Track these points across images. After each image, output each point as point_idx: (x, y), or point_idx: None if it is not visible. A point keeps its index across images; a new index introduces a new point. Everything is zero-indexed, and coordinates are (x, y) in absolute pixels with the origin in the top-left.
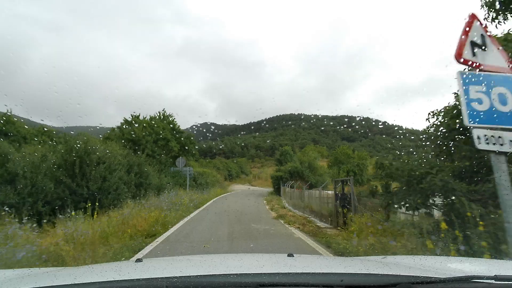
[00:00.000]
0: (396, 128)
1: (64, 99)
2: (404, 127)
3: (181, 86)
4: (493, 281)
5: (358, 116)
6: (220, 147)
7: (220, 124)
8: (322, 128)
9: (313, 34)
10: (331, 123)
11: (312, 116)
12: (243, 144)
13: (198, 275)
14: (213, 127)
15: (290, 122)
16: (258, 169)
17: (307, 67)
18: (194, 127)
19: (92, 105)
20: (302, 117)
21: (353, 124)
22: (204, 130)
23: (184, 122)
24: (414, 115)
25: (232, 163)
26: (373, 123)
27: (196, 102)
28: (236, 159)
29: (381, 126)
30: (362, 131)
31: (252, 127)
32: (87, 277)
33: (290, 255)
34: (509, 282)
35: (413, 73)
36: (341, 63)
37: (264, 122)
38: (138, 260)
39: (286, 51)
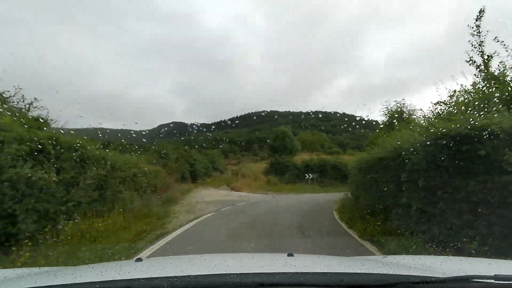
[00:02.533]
0: (374, 123)
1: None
2: (380, 121)
3: (149, 85)
4: (493, 281)
5: (334, 112)
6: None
7: (189, 123)
8: (303, 124)
9: (283, 34)
10: (314, 115)
11: (284, 112)
12: (216, 138)
13: (198, 275)
14: (180, 127)
15: (264, 118)
16: (235, 166)
17: (278, 67)
18: (160, 127)
19: (56, 106)
20: (276, 116)
21: (332, 119)
22: (173, 130)
23: (151, 122)
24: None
25: (198, 154)
26: (348, 118)
27: (164, 101)
28: (206, 152)
29: (363, 121)
30: (344, 125)
31: (223, 124)
32: (87, 276)
33: (290, 254)
34: (509, 282)
35: (377, 73)
36: (310, 63)
37: (237, 121)
38: (138, 260)
39: (257, 50)
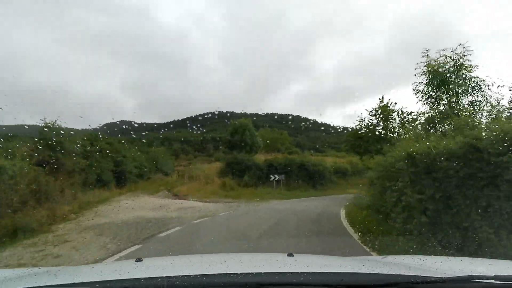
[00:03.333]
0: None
1: None
2: (332, 125)
3: (95, 80)
4: (493, 281)
5: (289, 114)
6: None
7: (139, 122)
8: (262, 125)
9: (240, 36)
10: (270, 117)
11: (240, 113)
12: (168, 138)
13: (198, 275)
14: (126, 126)
15: (219, 119)
16: (185, 167)
17: (234, 69)
18: (105, 126)
19: None
20: (229, 115)
21: (287, 121)
22: (122, 128)
23: (96, 120)
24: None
25: (132, 150)
26: (302, 121)
27: (113, 99)
28: (149, 149)
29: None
30: (304, 126)
31: (176, 124)
32: (87, 276)
33: (290, 254)
34: (509, 282)
35: (327, 80)
36: (266, 67)
37: (189, 122)
38: (138, 260)
39: (213, 51)
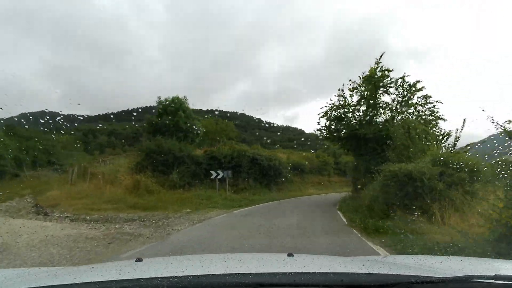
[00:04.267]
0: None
1: None
2: (276, 125)
3: (9, 63)
4: (493, 281)
5: (234, 111)
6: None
7: (66, 114)
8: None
9: (185, 30)
10: (213, 114)
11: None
12: (92, 130)
13: (198, 275)
14: (48, 116)
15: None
16: (101, 164)
17: (177, 64)
18: (23, 116)
19: None
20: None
21: (232, 118)
22: (41, 120)
23: (8, 109)
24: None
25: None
26: (248, 119)
27: (32, 86)
28: (46, 137)
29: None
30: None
31: (101, 119)
32: (87, 276)
33: (290, 254)
34: (509, 282)
35: (271, 82)
36: (211, 64)
37: (124, 113)
38: (138, 260)
39: (155, 43)
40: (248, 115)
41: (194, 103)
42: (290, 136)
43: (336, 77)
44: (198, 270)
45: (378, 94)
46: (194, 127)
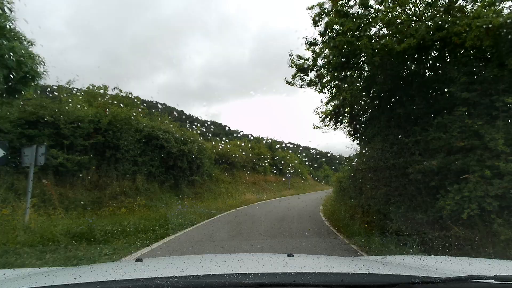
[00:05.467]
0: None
1: None
2: (200, 118)
3: None
4: (493, 281)
5: (151, 100)
6: None
7: None
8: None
9: (99, 7)
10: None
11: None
12: None
13: (198, 275)
14: None
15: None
16: None
17: (88, 41)
18: None
19: None
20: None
21: (149, 107)
22: None
23: None
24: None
25: None
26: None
27: None
28: None
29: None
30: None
31: None
32: (87, 277)
33: (290, 255)
34: (509, 282)
35: (194, 76)
36: (128, 49)
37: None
38: (138, 260)
39: (61, 13)
40: (170, 106)
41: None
42: (216, 131)
43: (259, 79)
44: (198, 270)
45: None
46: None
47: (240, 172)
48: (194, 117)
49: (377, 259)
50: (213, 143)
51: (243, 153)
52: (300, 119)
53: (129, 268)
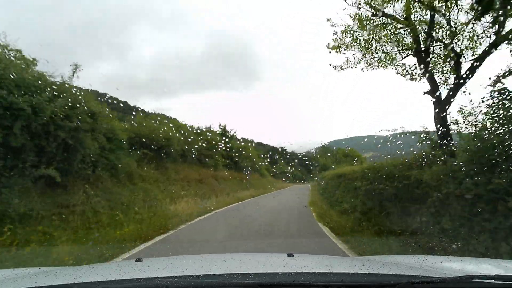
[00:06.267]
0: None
1: None
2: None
3: None
4: (493, 281)
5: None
6: None
7: None
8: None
9: None
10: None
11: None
12: None
13: (198, 275)
14: None
15: None
16: None
17: (23, 20)
18: None
19: None
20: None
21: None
22: None
23: None
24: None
25: None
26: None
27: None
28: None
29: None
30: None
31: None
32: (87, 276)
33: (290, 255)
34: (509, 282)
35: (145, 69)
36: (72, 33)
37: None
38: (138, 260)
39: None
40: (113, 96)
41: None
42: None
43: (212, 76)
44: (198, 270)
45: None
46: None
47: (178, 165)
48: (140, 109)
49: (377, 259)
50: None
51: (183, 138)
52: (256, 114)
53: (129, 268)
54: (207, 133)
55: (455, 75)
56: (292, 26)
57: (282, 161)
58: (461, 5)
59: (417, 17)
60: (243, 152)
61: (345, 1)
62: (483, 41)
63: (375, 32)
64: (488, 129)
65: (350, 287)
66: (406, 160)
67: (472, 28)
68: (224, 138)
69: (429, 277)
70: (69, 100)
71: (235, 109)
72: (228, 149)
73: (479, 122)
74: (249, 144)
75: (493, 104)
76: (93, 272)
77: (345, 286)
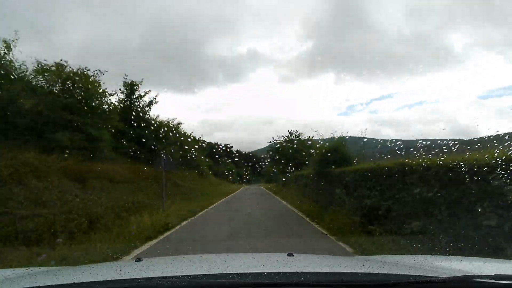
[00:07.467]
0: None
1: None
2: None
3: None
4: (493, 281)
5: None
6: None
7: None
8: None
9: None
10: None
11: None
12: None
13: (198, 275)
14: None
15: None
16: None
17: None
18: None
19: None
20: None
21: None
22: None
23: None
24: None
25: None
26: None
27: None
28: None
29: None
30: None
31: None
32: (87, 276)
33: (290, 254)
34: (509, 282)
35: (70, 55)
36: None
37: None
38: (138, 260)
39: None
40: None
41: None
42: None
43: (151, 69)
44: (198, 270)
45: None
46: None
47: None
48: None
49: (377, 259)
50: None
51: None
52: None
53: (129, 268)
54: (76, 77)
55: None
56: None
57: (228, 160)
58: None
59: None
60: (171, 134)
61: None
62: None
63: None
64: None
65: (350, 286)
66: None
67: None
68: (129, 100)
69: (429, 277)
70: None
71: (178, 106)
72: (141, 127)
73: None
74: (190, 134)
75: None
76: (93, 272)
77: (345, 285)
